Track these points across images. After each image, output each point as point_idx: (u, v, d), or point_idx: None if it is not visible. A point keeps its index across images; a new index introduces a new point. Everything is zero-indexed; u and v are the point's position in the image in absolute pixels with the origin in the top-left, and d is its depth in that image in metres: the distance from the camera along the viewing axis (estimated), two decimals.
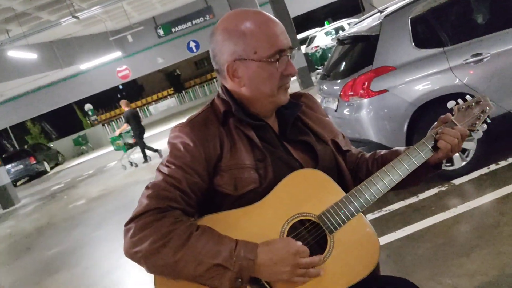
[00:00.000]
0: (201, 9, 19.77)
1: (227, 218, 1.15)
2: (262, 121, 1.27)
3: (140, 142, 11.12)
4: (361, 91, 3.89)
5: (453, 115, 1.30)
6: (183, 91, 33.92)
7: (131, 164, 11.31)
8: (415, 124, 3.78)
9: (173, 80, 42.33)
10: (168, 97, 36.30)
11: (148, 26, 21.04)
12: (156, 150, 11.06)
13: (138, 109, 32.46)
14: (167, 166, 1.18)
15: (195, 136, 1.20)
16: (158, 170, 1.20)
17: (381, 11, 4.40)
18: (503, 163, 3.86)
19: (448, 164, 3.90)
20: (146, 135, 11.60)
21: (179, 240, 1.08)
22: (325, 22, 24.49)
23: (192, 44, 20.47)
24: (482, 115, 1.30)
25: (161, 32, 19.55)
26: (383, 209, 3.79)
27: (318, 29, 21.47)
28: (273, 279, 1.10)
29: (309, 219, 1.18)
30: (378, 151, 1.43)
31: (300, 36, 19.15)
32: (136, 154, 11.90)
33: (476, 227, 3.08)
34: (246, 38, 1.18)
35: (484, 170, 3.86)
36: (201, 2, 21.19)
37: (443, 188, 3.83)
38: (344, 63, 4.60)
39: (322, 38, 18.48)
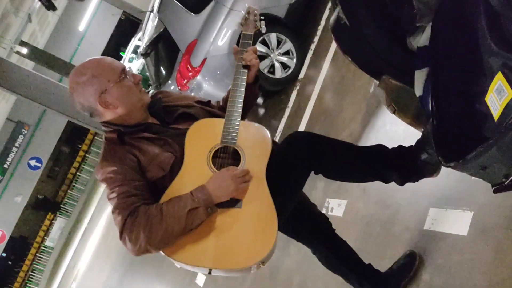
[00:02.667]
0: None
1: (174, 189, 1.55)
2: (144, 123, 1.66)
3: None
4: (190, 73, 4.37)
5: (241, 32, 1.79)
6: None
7: None
8: None
9: None
10: None
11: None
12: None
13: None
14: (113, 192, 1.53)
15: (113, 162, 1.56)
16: (109, 199, 1.55)
17: (151, 11, 4.88)
18: (316, 39, 4.63)
19: (284, 72, 4.57)
20: None
21: (157, 217, 1.45)
22: (121, 53, 24.59)
23: None
24: (255, 17, 1.81)
25: None
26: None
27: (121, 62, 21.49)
28: (227, 194, 1.51)
29: (217, 148, 1.61)
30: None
31: None
32: None
33: (334, 90, 3.80)
34: (96, 77, 1.56)
35: (310, 54, 4.60)
36: None
37: (298, 87, 4.52)
38: (162, 67, 5.03)
39: (132, 65, 18.61)
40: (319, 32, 4.57)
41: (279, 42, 4.46)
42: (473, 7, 1.22)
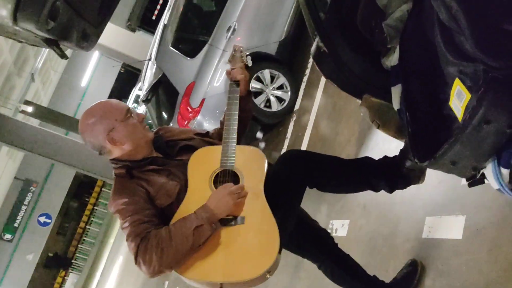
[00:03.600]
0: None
1: (180, 212, 1.67)
2: (150, 157, 1.81)
3: None
4: (190, 114, 4.56)
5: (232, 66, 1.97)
6: None
7: None
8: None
9: None
10: None
11: None
12: None
13: None
14: (125, 221, 1.65)
15: (124, 195, 1.70)
16: (123, 228, 1.66)
17: (149, 59, 5.14)
18: (307, 71, 4.84)
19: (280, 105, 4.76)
20: None
21: (166, 239, 1.56)
22: None
23: None
24: (242, 53, 1.99)
25: None
26: None
27: None
28: (227, 210, 1.63)
29: (217, 172, 1.75)
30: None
31: None
32: None
33: (329, 117, 3.96)
34: (105, 117, 1.72)
35: (303, 86, 4.80)
36: None
37: (294, 118, 4.69)
38: (163, 111, 5.24)
39: None
40: (309, 65, 4.78)
41: (272, 78, 4.66)
42: (430, 25, 1.38)
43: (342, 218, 2.96)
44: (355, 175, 1.79)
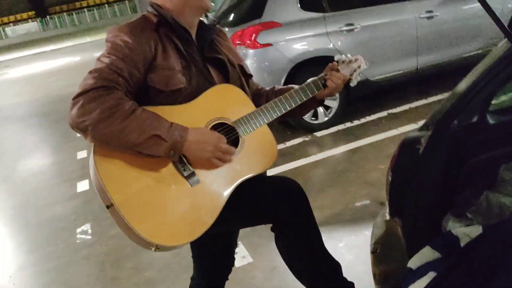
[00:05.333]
0: None
1: (160, 111, 1.34)
2: (189, 35, 1.45)
3: None
4: (248, 41, 4.15)
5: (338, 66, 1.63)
6: (48, 17, 30.53)
7: None
8: (290, 80, 4.19)
9: (35, 2, 37.67)
10: (29, 20, 32.35)
11: None
12: None
13: None
14: (109, 57, 1.31)
15: (134, 35, 1.35)
16: (99, 60, 1.33)
17: None
18: (356, 122, 4.52)
19: (313, 118, 4.44)
20: (3, 57, 10.44)
21: (124, 112, 1.25)
22: None
23: None
24: (358, 69, 1.64)
25: None
26: None
27: None
28: (197, 156, 1.33)
29: (226, 123, 1.44)
30: (276, 86, 1.70)
31: None
32: None
33: (330, 171, 3.65)
34: None
35: (341, 127, 4.48)
36: None
37: (306, 139, 4.37)
38: (233, 13, 4.78)
39: None
40: (362, 120, 4.46)
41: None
42: None
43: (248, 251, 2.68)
44: (314, 268, 1.48)
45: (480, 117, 1.55)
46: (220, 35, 1.61)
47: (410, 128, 4.10)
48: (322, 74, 1.59)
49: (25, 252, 3.37)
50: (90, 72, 1.30)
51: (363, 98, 4.82)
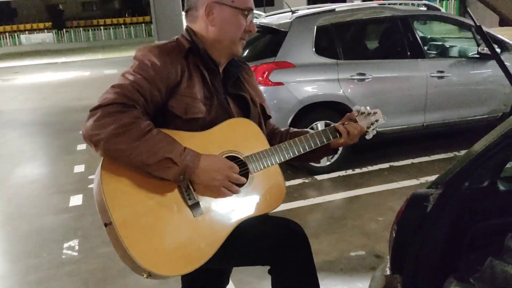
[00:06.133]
0: None
1: (175, 135, 1.34)
2: (216, 68, 1.48)
3: None
4: (260, 78, 4.19)
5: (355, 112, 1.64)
6: (64, 29, 31.07)
7: None
8: (297, 121, 4.21)
9: (54, 14, 38.49)
10: (45, 31, 32.92)
11: None
12: None
13: (6, 34, 28.94)
14: (134, 75, 1.32)
15: (162, 58, 1.36)
16: (124, 75, 1.34)
17: (293, 11, 4.77)
18: (358, 170, 4.52)
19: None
20: (14, 63, 10.53)
21: (139, 131, 1.25)
22: None
23: None
24: (375, 123, 1.65)
25: None
26: None
27: None
28: (206, 183, 1.32)
29: (238, 157, 1.43)
30: (291, 128, 1.71)
31: None
32: None
33: (327, 216, 3.61)
34: None
35: (342, 173, 4.47)
36: None
37: (306, 180, 4.35)
38: (249, 49, 4.86)
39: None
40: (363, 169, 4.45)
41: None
42: None
43: None
44: None
45: (491, 182, 1.54)
46: (248, 73, 1.63)
47: (411, 183, 4.09)
48: (339, 123, 1.59)
49: (9, 261, 3.28)
50: (113, 86, 1.32)
51: (367, 147, 4.83)
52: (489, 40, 1.57)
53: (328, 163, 4.46)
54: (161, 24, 7.07)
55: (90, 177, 4.68)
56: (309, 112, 4.24)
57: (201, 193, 1.35)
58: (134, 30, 30.48)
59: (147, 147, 1.25)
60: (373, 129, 1.64)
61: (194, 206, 1.34)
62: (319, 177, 4.40)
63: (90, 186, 4.43)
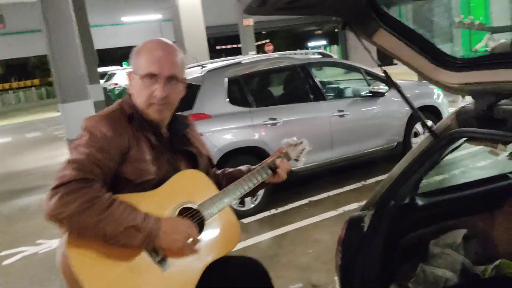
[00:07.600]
0: None
1: (130, 198, 1.40)
2: (157, 129, 1.54)
3: None
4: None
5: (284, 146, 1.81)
6: None
7: None
8: (220, 168, 4.35)
9: None
10: None
11: None
12: None
13: None
14: (88, 147, 1.36)
15: (112, 128, 1.42)
16: (77, 149, 1.37)
17: (202, 66, 5.02)
18: (280, 209, 4.74)
19: (240, 205, 4.58)
20: None
21: (102, 205, 1.29)
22: (124, 63, 24.70)
23: None
24: (303, 151, 1.84)
25: None
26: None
27: (119, 67, 21.45)
28: (169, 245, 1.39)
29: (192, 207, 1.52)
30: (226, 168, 1.84)
31: (100, 69, 18.66)
32: None
33: (260, 256, 3.70)
34: (137, 57, 1.52)
35: (266, 213, 4.66)
36: None
37: None
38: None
39: (122, 77, 18.48)
40: (286, 207, 4.70)
41: None
42: None
43: None
44: None
45: (411, 199, 1.82)
46: (191, 127, 1.73)
47: (330, 214, 4.40)
48: (273, 159, 1.73)
49: None
50: (69, 162, 1.34)
51: (287, 186, 5.11)
52: (398, 86, 1.84)
53: (252, 205, 4.64)
54: (63, 85, 6.91)
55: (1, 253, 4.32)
56: (229, 159, 4.43)
57: (166, 251, 1.42)
58: (23, 94, 28.89)
59: (111, 219, 1.30)
60: (302, 157, 1.82)
61: (161, 261, 1.41)
62: (245, 220, 4.54)
63: (4, 263, 4.09)
